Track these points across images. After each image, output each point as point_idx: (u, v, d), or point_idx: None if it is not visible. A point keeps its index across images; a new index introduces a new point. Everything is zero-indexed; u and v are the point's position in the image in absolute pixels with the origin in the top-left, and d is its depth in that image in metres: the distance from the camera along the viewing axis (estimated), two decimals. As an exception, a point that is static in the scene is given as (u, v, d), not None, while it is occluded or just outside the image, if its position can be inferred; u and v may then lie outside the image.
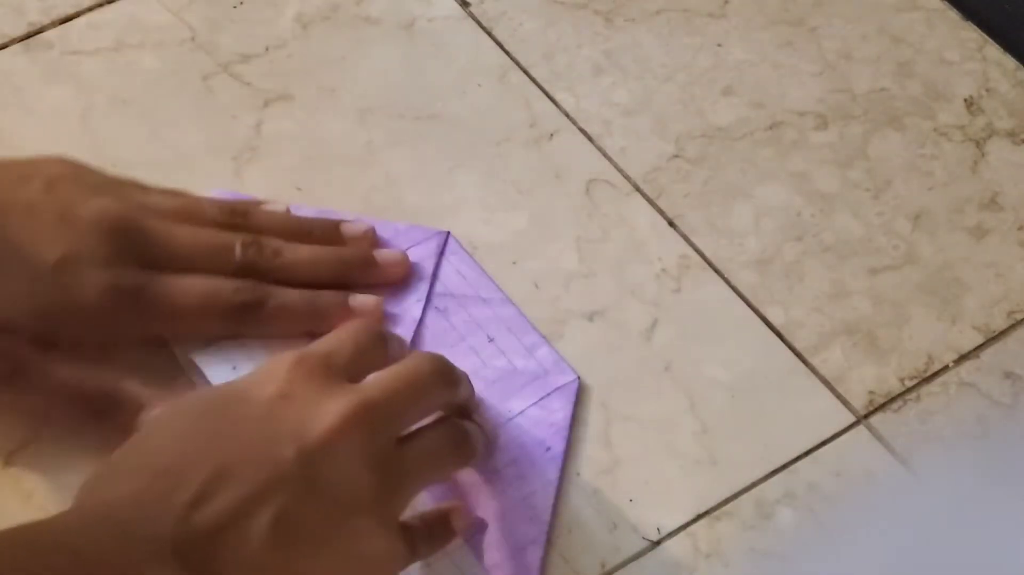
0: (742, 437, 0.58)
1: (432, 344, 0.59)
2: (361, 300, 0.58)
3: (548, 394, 0.58)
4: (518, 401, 0.58)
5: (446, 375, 0.52)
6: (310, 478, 0.46)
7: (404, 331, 0.59)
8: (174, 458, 0.47)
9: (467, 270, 0.62)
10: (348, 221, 0.61)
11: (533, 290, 0.62)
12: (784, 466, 0.58)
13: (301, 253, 0.58)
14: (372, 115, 0.67)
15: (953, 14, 0.73)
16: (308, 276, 0.58)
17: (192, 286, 0.55)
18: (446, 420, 0.53)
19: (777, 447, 0.58)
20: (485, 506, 0.55)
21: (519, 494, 0.55)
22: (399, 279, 0.60)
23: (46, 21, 0.68)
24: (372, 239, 0.61)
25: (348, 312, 0.57)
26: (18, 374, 0.54)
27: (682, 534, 0.55)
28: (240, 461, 0.46)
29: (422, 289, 0.60)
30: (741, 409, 0.59)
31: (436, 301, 0.60)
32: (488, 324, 0.60)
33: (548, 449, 0.57)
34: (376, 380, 0.50)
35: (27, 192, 0.54)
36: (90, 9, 0.69)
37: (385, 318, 0.59)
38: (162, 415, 0.50)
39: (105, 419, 0.54)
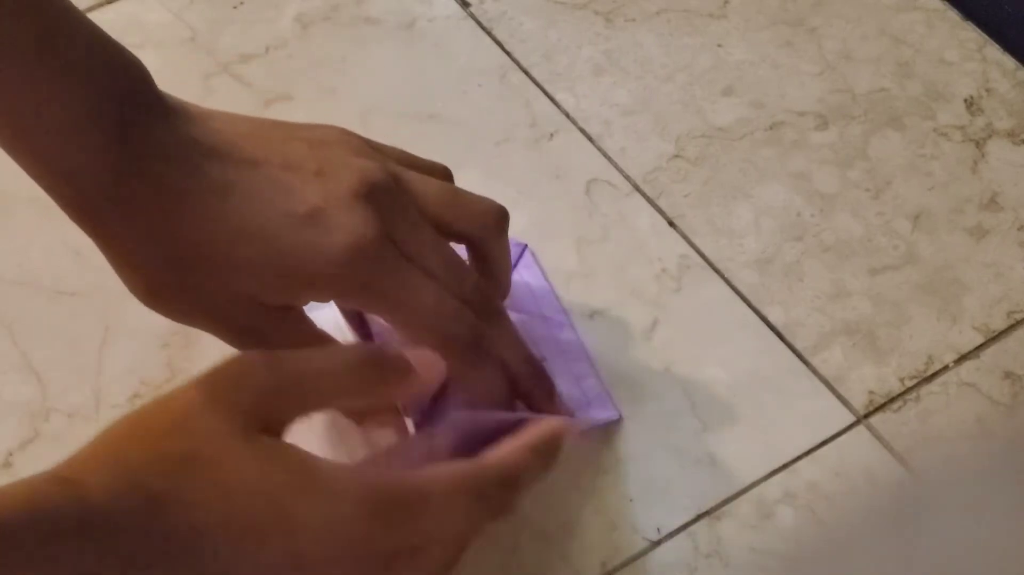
0: (742, 437, 0.58)
1: None
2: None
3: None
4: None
5: None
6: None
7: None
8: None
9: (537, 287, 0.60)
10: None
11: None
12: (784, 466, 0.58)
13: (507, 332, 0.54)
14: (372, 115, 0.67)
15: (953, 14, 0.73)
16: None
17: (427, 287, 0.51)
18: None
19: (777, 447, 0.58)
20: None
21: None
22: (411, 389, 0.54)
23: (46, 21, 0.68)
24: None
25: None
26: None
27: (682, 534, 0.55)
28: None
29: None
30: (741, 409, 0.59)
31: None
32: (543, 343, 0.58)
33: None
34: None
35: (289, 149, 0.52)
36: (90, 9, 0.69)
37: None
38: None
39: None
